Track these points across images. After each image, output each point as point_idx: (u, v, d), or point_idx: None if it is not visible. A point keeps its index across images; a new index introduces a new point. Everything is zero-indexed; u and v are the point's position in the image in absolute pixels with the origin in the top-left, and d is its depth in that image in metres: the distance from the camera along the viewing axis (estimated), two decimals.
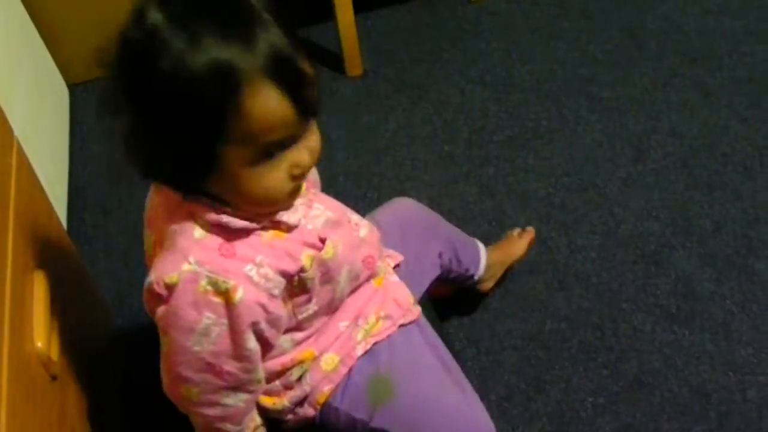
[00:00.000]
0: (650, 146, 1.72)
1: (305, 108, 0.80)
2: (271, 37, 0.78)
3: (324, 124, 1.94)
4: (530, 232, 1.47)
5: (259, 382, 0.94)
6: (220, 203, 0.86)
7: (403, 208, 1.25)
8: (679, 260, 1.51)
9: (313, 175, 1.04)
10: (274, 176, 0.83)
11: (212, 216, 0.86)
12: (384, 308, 1.04)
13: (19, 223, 1.02)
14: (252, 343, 0.89)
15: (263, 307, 0.87)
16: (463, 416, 1.02)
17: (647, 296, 1.46)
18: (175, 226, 0.87)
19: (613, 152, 1.72)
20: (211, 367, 0.88)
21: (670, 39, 1.95)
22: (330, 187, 1.68)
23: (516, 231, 1.49)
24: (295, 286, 0.92)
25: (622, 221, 1.59)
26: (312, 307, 0.96)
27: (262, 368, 0.94)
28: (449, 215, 1.61)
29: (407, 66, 1.98)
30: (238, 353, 0.88)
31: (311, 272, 0.92)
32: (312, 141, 0.86)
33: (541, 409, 1.34)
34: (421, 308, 1.10)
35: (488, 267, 1.36)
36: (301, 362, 0.99)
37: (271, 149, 0.82)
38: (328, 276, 0.95)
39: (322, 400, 1.01)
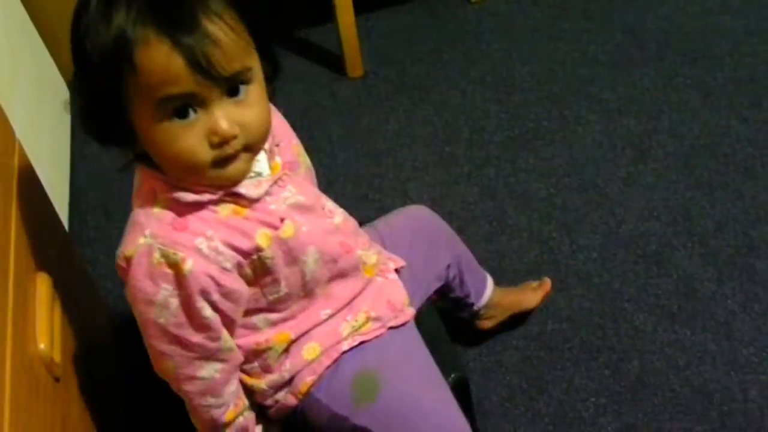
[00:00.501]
0: (651, 146, 1.72)
1: (203, 66, 0.81)
2: (186, 7, 0.82)
3: (325, 125, 1.96)
4: (546, 285, 1.44)
5: (230, 350, 0.95)
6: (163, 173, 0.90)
7: (418, 214, 1.25)
8: (681, 260, 1.51)
9: (294, 156, 1.04)
10: (187, 138, 0.85)
11: (166, 191, 0.89)
12: (375, 308, 1.04)
13: (22, 225, 1.02)
14: (208, 312, 0.90)
15: (213, 279, 0.89)
16: (443, 420, 1.02)
17: (649, 296, 1.46)
18: (140, 203, 0.92)
19: (613, 152, 1.72)
20: (178, 339, 0.91)
21: (671, 39, 1.96)
22: (330, 188, 1.70)
23: (534, 283, 1.45)
24: (257, 266, 0.93)
25: (623, 221, 1.59)
26: (282, 289, 0.97)
27: (229, 337, 0.95)
28: (450, 216, 1.62)
29: (408, 67, 1.98)
30: (198, 323, 0.90)
31: (269, 251, 0.92)
32: (239, 113, 0.86)
33: (543, 409, 1.34)
34: (414, 310, 1.09)
35: (491, 305, 1.35)
36: (276, 344, 0.99)
37: (172, 105, 0.83)
38: (291, 257, 0.95)
39: (304, 389, 1.01)
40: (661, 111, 1.79)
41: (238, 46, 0.84)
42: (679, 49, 1.93)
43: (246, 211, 0.92)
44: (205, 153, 0.86)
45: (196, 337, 0.91)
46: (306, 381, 1.01)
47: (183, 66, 0.81)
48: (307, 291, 0.99)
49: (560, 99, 1.85)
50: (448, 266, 1.22)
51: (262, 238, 0.92)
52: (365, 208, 1.65)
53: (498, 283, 1.47)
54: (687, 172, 1.66)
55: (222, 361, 0.95)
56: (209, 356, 0.93)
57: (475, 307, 1.33)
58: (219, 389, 0.96)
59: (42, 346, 0.95)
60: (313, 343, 1.01)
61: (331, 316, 1.02)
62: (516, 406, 1.34)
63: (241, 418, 1.00)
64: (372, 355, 1.02)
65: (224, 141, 0.86)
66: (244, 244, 0.91)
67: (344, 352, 1.01)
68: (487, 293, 1.33)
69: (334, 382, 1.01)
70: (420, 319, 1.15)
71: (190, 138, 0.85)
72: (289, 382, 1.02)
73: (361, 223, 1.19)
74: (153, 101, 0.83)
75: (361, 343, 1.02)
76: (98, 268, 1.60)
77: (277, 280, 0.95)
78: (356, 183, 1.71)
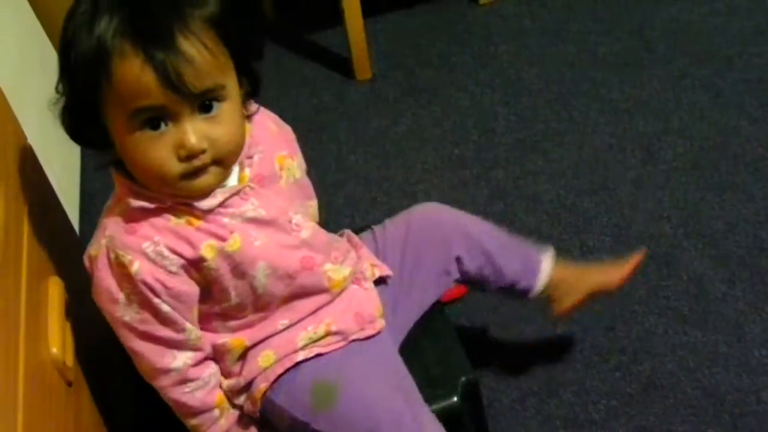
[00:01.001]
0: (660, 147, 1.72)
1: (173, 82, 0.83)
2: (153, 6, 0.85)
3: (333, 128, 1.96)
4: (636, 258, 1.25)
5: (197, 339, 0.97)
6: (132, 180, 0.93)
7: (420, 209, 1.19)
8: (691, 261, 1.51)
9: (274, 168, 1.02)
10: (156, 150, 0.87)
11: (126, 196, 0.93)
12: (339, 321, 1.03)
13: (34, 230, 1.03)
14: (166, 307, 0.93)
15: (160, 281, 0.92)
16: (405, 425, 0.99)
17: (659, 298, 1.46)
18: (108, 203, 0.96)
19: (623, 154, 1.71)
20: (146, 335, 0.94)
21: (680, 40, 1.95)
22: (339, 190, 1.70)
23: (622, 261, 1.27)
24: (204, 274, 0.95)
25: (633, 223, 1.58)
26: (233, 299, 0.98)
27: (194, 327, 0.97)
28: None
29: (416, 70, 1.98)
30: (161, 318, 0.94)
31: (213, 263, 0.94)
32: (209, 129, 0.88)
33: (554, 411, 1.33)
34: (384, 322, 1.06)
35: (555, 285, 1.21)
36: (232, 348, 1.00)
37: (144, 116, 0.86)
38: (239, 270, 0.96)
39: (258, 395, 1.01)
40: (671, 112, 1.79)
41: (211, 65, 0.86)
42: (688, 50, 1.92)
43: (199, 222, 0.93)
44: (173, 165, 0.88)
45: (162, 331, 0.94)
46: (260, 388, 1.01)
47: (154, 80, 0.83)
48: (262, 304, 1.00)
49: (569, 101, 1.85)
50: (459, 258, 1.15)
51: (207, 249, 0.93)
52: (374, 211, 1.66)
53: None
54: (697, 173, 1.66)
55: (193, 349, 0.98)
56: (179, 346, 0.96)
57: (532, 293, 1.20)
58: (194, 373, 0.98)
59: (54, 350, 0.95)
60: (268, 351, 1.01)
61: (288, 327, 1.02)
62: (527, 408, 1.34)
63: (230, 411, 1.02)
64: (332, 364, 1.02)
65: (192, 155, 0.88)
66: (188, 253, 0.93)
67: (299, 362, 1.01)
68: (542, 275, 1.20)
69: (293, 388, 1.01)
70: (427, 322, 1.15)
71: (160, 149, 0.87)
72: (245, 388, 1.02)
73: (367, 228, 1.19)
74: (126, 111, 0.86)
75: (318, 354, 1.02)
76: None
77: (226, 290, 0.97)
78: (365, 185, 1.72)
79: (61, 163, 1.68)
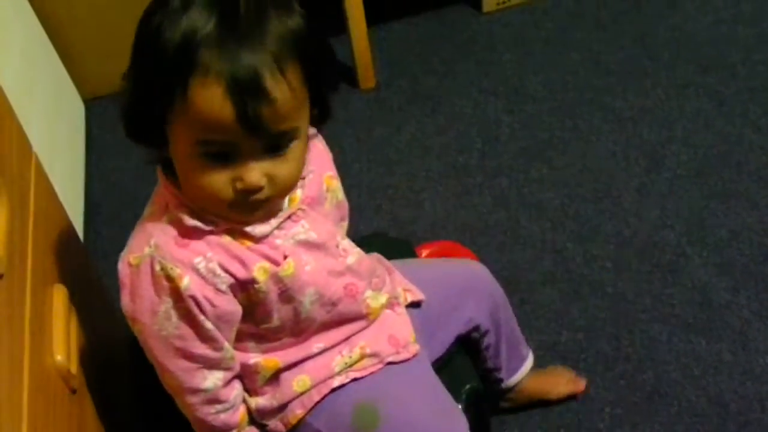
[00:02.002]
0: (664, 156, 1.72)
1: (252, 123, 0.79)
2: (255, 43, 0.79)
3: (337, 136, 1.96)
4: (580, 385, 1.36)
5: (231, 359, 0.95)
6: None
7: (470, 266, 1.20)
8: (695, 269, 1.50)
9: (321, 190, 1.00)
10: (213, 177, 0.83)
11: (177, 207, 0.89)
12: (373, 344, 1.02)
13: (38, 238, 1.03)
14: (209, 324, 0.90)
15: (208, 299, 0.88)
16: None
17: (663, 306, 1.46)
18: (153, 207, 0.92)
19: (627, 162, 1.71)
20: (181, 352, 0.90)
21: (683, 48, 1.95)
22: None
23: (571, 374, 1.37)
24: (251, 294, 0.92)
25: (637, 231, 1.58)
26: (275, 322, 0.95)
27: (230, 346, 0.94)
28: (464, 227, 1.62)
29: (420, 78, 1.98)
30: (201, 334, 0.90)
31: (263, 285, 0.91)
32: (273, 168, 0.85)
33: (559, 420, 1.33)
34: (419, 347, 1.06)
35: (518, 389, 1.29)
36: (264, 369, 0.98)
37: (209, 148, 0.82)
38: (287, 295, 0.93)
39: (294, 421, 1.00)
40: (675, 120, 1.79)
41: (291, 107, 0.82)
42: (692, 59, 1.93)
43: (249, 243, 0.91)
44: (227, 194, 0.85)
45: (200, 349, 0.91)
46: (296, 414, 1.00)
47: (231, 116, 0.79)
48: (300, 329, 0.98)
49: (573, 109, 1.85)
50: (478, 326, 1.16)
51: (259, 271, 0.91)
52: (378, 219, 1.66)
53: (511, 294, 1.46)
54: (701, 181, 1.66)
55: (225, 369, 0.95)
56: (212, 366, 0.93)
57: (503, 385, 1.26)
58: (224, 395, 0.96)
59: (59, 357, 0.96)
60: (303, 376, 0.99)
61: (324, 350, 1.00)
62: (531, 416, 1.34)
63: (248, 429, 1.00)
64: (371, 387, 1.01)
65: (249, 191, 0.84)
66: (240, 273, 0.90)
67: (334, 389, 1.00)
68: (519, 375, 1.27)
69: (333, 412, 1.00)
70: None
71: (218, 178, 0.83)
72: (278, 410, 1.00)
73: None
74: (193, 136, 0.82)
75: (354, 380, 1.00)
76: (113, 280, 1.60)
77: (269, 313, 0.94)
78: (369, 194, 1.72)
79: (66, 171, 1.69)
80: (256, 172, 0.83)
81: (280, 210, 0.93)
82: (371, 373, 1.01)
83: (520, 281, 1.52)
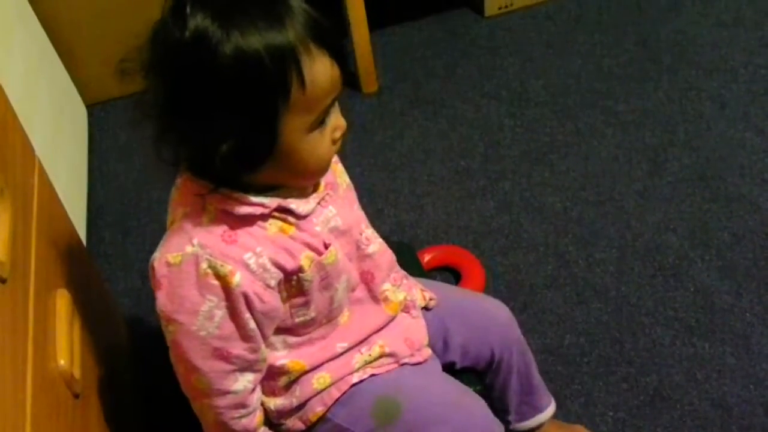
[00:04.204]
0: (667, 159, 1.72)
1: (344, 67, 0.86)
2: (298, 9, 0.83)
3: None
4: None
5: (264, 360, 0.95)
6: (238, 190, 0.89)
7: (496, 306, 1.18)
8: (698, 273, 1.50)
9: (334, 176, 1.03)
10: (323, 142, 0.89)
11: (217, 202, 0.88)
12: (390, 345, 1.04)
13: (42, 242, 1.03)
14: (253, 324, 0.90)
15: (258, 295, 0.89)
16: (467, 415, 1.02)
17: (666, 309, 1.46)
18: (185, 210, 0.90)
19: (629, 165, 1.72)
20: (218, 353, 0.90)
21: (685, 52, 1.96)
22: None
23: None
24: (293, 285, 0.93)
25: (640, 234, 1.58)
26: (310, 313, 0.97)
27: (265, 348, 0.95)
28: (466, 230, 1.62)
29: (422, 82, 1.98)
30: (244, 334, 0.90)
31: (309, 274, 0.93)
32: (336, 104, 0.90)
33: None
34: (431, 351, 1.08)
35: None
36: (290, 371, 0.99)
37: (316, 119, 0.86)
38: (327, 282, 0.95)
39: (314, 419, 1.01)
40: (677, 123, 1.79)
41: None
42: (694, 62, 1.93)
43: (292, 230, 0.92)
44: (332, 151, 0.91)
45: (238, 349, 0.91)
46: (316, 411, 1.01)
47: (339, 74, 0.85)
48: (331, 317, 0.99)
49: (575, 112, 1.85)
50: (490, 364, 1.14)
51: (305, 260, 0.92)
52: (380, 223, 1.66)
53: (515, 297, 1.47)
54: (703, 185, 1.66)
55: (256, 371, 0.95)
56: (246, 368, 0.93)
57: (512, 428, 1.22)
58: (249, 399, 0.96)
59: (62, 362, 0.96)
60: (323, 373, 1.01)
61: (346, 350, 1.02)
62: None
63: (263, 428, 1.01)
64: (389, 382, 1.02)
65: (343, 135, 0.91)
66: (289, 264, 0.91)
67: (354, 385, 1.01)
68: (529, 424, 1.22)
69: (353, 407, 1.01)
70: None
71: (325, 140, 0.89)
72: (297, 409, 1.01)
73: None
74: (315, 112, 0.85)
75: (372, 375, 1.02)
76: (116, 284, 1.61)
77: (309, 302, 0.95)
78: (371, 197, 1.72)
79: (68, 176, 1.69)
80: (339, 114, 0.90)
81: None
82: (388, 371, 1.03)
83: (522, 285, 1.52)
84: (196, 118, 0.83)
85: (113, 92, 1.98)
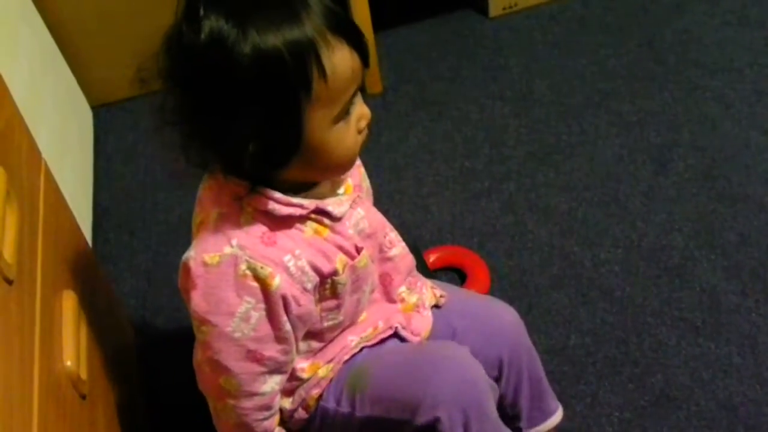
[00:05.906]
0: (671, 159, 1.72)
1: (365, 57, 0.85)
2: (313, 0, 0.83)
3: None
4: None
5: (292, 362, 0.96)
6: (273, 188, 0.88)
7: (494, 307, 1.16)
8: (704, 273, 1.50)
9: (359, 179, 1.03)
10: (349, 133, 0.88)
11: (259, 203, 0.88)
12: (388, 322, 1.05)
13: (48, 244, 1.03)
14: (289, 326, 0.91)
15: (296, 298, 0.89)
16: (446, 363, 0.99)
17: (672, 309, 1.45)
18: (221, 210, 0.89)
19: (634, 166, 1.71)
20: (252, 354, 0.90)
21: (690, 52, 1.95)
22: None
23: None
24: (327, 288, 0.94)
25: (645, 234, 1.58)
26: (339, 317, 0.98)
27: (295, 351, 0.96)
28: (471, 231, 1.62)
29: (427, 83, 1.99)
30: (279, 335, 0.90)
31: (343, 277, 0.93)
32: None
33: (567, 425, 1.33)
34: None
35: None
36: (308, 375, 1.00)
37: (340, 111, 0.85)
38: (357, 285, 0.96)
39: (312, 403, 1.02)
40: (681, 124, 1.79)
41: None
42: (699, 62, 1.92)
43: (326, 232, 0.92)
44: (359, 142, 0.90)
45: (272, 351, 0.91)
46: (312, 394, 1.02)
47: (360, 63, 0.85)
48: (354, 320, 1.01)
49: (580, 113, 1.85)
50: (499, 369, 1.12)
51: (340, 263, 0.93)
52: None
53: (520, 297, 1.46)
54: (708, 185, 1.65)
55: (284, 373, 0.96)
56: (276, 370, 0.94)
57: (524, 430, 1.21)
58: (274, 401, 0.97)
59: (69, 363, 0.96)
60: (332, 365, 1.02)
61: (352, 340, 1.03)
62: None
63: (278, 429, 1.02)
64: (369, 354, 1.03)
65: (368, 124, 0.90)
66: (325, 267, 0.91)
67: (345, 362, 1.03)
68: (539, 430, 1.21)
69: (335, 387, 1.02)
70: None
71: (350, 131, 0.88)
72: (304, 401, 1.03)
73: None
74: (339, 105, 0.85)
75: (363, 348, 1.03)
76: (121, 285, 1.61)
77: (340, 306, 0.96)
78: (376, 198, 1.70)
79: (74, 177, 1.70)
80: (363, 104, 0.89)
81: (341, 191, 0.95)
82: (381, 341, 1.03)
83: (527, 286, 1.52)
84: (220, 121, 0.83)
85: (119, 94, 1.98)
